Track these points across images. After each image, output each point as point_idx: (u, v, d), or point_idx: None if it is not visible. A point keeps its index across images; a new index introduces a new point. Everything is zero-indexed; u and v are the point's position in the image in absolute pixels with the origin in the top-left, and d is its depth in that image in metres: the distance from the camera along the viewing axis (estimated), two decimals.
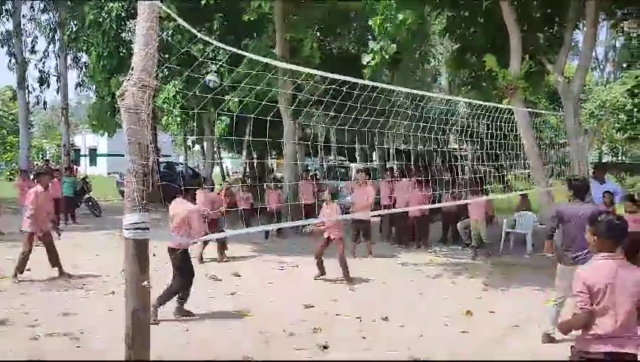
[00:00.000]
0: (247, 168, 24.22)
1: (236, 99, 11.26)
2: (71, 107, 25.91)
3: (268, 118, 5.02)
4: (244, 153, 25.47)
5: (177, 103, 14.65)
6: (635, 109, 14.15)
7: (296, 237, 13.02)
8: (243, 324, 6.44)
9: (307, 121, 16.61)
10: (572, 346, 3.38)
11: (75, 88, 23.66)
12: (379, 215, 13.02)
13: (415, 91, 7.62)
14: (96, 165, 45.72)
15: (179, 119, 15.76)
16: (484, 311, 6.95)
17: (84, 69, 22.99)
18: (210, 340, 5.79)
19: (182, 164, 24.76)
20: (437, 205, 10.95)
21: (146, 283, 2.89)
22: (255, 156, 24.26)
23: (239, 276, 8.99)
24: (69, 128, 23.02)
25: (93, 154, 47.21)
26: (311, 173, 17.09)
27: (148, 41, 2.84)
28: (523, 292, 7.92)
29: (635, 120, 15.36)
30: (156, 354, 5.10)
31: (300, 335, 6.02)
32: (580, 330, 3.29)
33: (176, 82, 14.46)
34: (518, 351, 5.55)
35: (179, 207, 6.63)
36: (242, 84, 5.95)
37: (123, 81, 3.21)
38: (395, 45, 8.82)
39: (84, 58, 22.66)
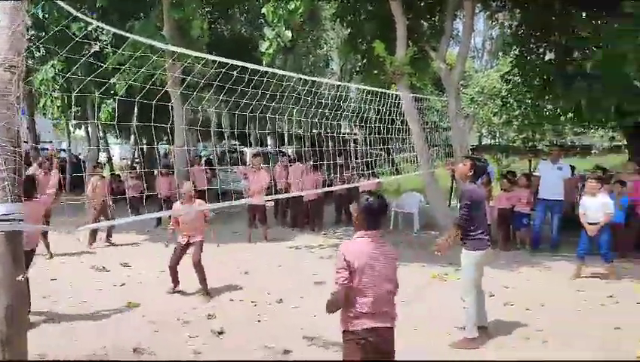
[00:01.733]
0: (137, 154, 23.20)
1: (122, 82, 10.71)
2: None
3: (154, 103, 4.83)
4: (132, 139, 24.33)
5: (57, 85, 13.64)
6: (509, 95, 15.31)
7: None
8: (133, 315, 6.23)
9: (198, 106, 16.23)
10: (343, 330, 3.47)
11: None
12: (274, 200, 13.08)
13: (307, 77, 7.71)
14: None
15: (59, 102, 14.69)
16: None
17: None
18: (99, 334, 5.55)
19: (65, 150, 23.14)
20: (330, 188, 11.21)
21: (21, 277, 2.71)
22: (145, 142, 23.27)
23: (129, 266, 8.66)
24: None
25: None
26: (204, 159, 16.77)
27: (14, 18, 2.62)
28: (411, 268, 8.36)
29: (508, 105, 16.62)
30: (40, 352, 4.84)
31: (193, 323, 5.95)
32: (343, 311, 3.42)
33: (55, 62, 13.45)
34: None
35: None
36: (126, 66, 5.69)
37: None
38: (290, 33, 8.83)
39: None
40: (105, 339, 5.38)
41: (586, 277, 7.94)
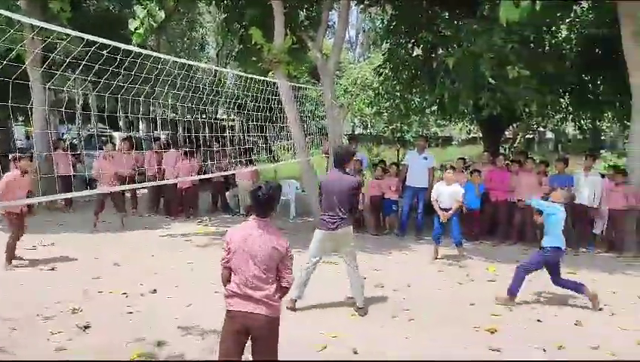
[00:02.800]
0: None
1: None
2: None
3: (11, 80, 4.41)
4: None
5: None
6: (380, 87, 16.02)
7: (55, 213, 11.84)
8: None
9: (62, 86, 15.04)
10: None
11: None
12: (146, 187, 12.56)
13: (184, 61, 7.48)
14: None
15: None
16: None
17: None
18: None
19: None
20: (206, 176, 11.01)
21: None
22: None
23: None
24: None
25: None
26: (67, 142, 15.62)
27: None
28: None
29: (380, 96, 17.38)
30: None
31: (56, 318, 5.56)
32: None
33: None
34: None
35: None
36: None
37: None
38: (163, 12, 8.49)
39: None
40: None
41: (441, 258, 8.62)
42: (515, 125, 22.05)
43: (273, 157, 14.60)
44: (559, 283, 6.39)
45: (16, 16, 4.30)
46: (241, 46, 13.27)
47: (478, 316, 5.98)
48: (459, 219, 8.63)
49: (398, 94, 14.71)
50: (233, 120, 26.46)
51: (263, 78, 9.64)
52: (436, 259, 8.57)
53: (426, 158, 10.68)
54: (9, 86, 4.46)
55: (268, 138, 14.56)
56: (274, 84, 9.94)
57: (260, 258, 3.47)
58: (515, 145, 26.54)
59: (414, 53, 13.20)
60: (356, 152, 11.74)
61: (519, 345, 5.18)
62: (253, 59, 12.48)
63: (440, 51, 11.75)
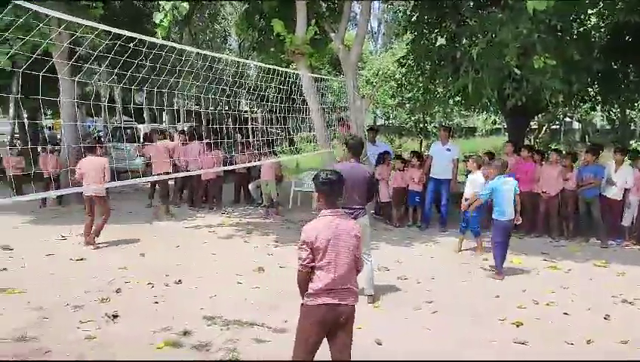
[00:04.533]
0: (17, 129, 21.38)
1: (4, 50, 9.76)
2: None
3: (41, 74, 4.48)
4: (10, 113, 22.34)
5: None
6: (403, 78, 15.88)
7: (79, 205, 12.05)
8: (17, 301, 5.82)
9: (88, 79, 15.24)
10: (302, 303, 3.51)
11: None
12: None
13: (207, 52, 7.52)
14: None
15: None
16: (275, 267, 7.34)
17: None
18: None
19: None
20: (230, 167, 11.08)
21: None
22: (26, 116, 21.51)
23: (11, 249, 8.04)
24: None
25: None
26: (94, 135, 15.88)
27: None
28: None
29: (404, 87, 17.24)
30: None
31: (85, 308, 5.67)
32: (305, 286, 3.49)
33: None
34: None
35: None
36: (7, 34, 5.22)
37: None
38: (186, 4, 8.51)
39: None
40: None
41: (466, 250, 8.55)
42: (540, 115, 21.68)
43: (295, 148, 14.59)
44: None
45: (47, 11, 4.35)
46: (261, 37, 13.27)
47: (503, 309, 5.92)
48: (481, 209, 8.51)
49: (421, 85, 14.58)
50: (255, 111, 26.57)
51: (285, 69, 9.63)
52: (460, 251, 8.51)
53: (449, 150, 10.56)
54: (38, 80, 4.53)
55: (290, 129, 14.57)
56: (296, 75, 9.91)
57: (349, 249, 3.45)
58: (540, 135, 26.14)
59: (437, 43, 13.04)
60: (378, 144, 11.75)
61: (546, 339, 5.13)
62: (272, 49, 12.51)
63: (464, 41, 11.57)
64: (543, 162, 10.19)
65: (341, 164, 6.25)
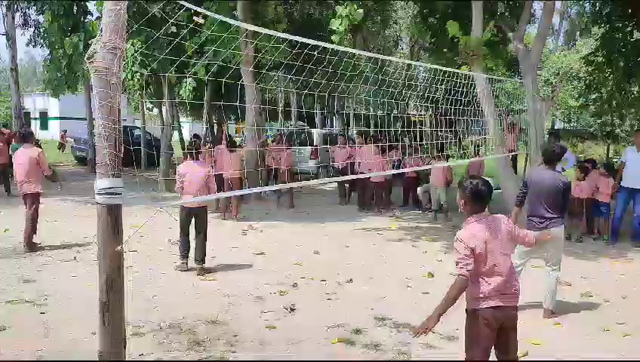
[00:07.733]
0: (209, 133, 23.80)
1: (204, 62, 10.96)
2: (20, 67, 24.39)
3: (239, 82, 4.94)
4: (204, 117, 24.94)
5: (136, 63, 14.06)
6: (591, 77, 14.53)
7: (262, 203, 13.04)
8: (210, 287, 6.47)
9: (267, 85, 16.39)
10: (466, 309, 3.50)
11: (27, 45, 22.05)
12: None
13: (379, 56, 7.64)
14: (47, 129, 43.63)
15: (136, 80, 15.14)
16: (444, 273, 7.18)
17: (34, 28, 21.73)
18: (179, 304, 5.80)
19: (139, 128, 23.97)
20: (401, 170, 11.12)
21: (119, 247, 2.87)
22: (215, 120, 23.86)
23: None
24: (19, 90, 21.72)
25: (43, 117, 45.10)
26: (271, 139, 17.01)
27: (117, 1, 2.73)
28: None
29: (592, 87, 15.79)
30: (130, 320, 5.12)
31: (265, 298, 6.10)
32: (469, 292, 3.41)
33: (135, 41, 13.85)
34: None
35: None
36: (208, 50, 5.82)
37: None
38: (361, 11, 8.77)
39: (33, 16, 21.53)
40: (182, 310, 5.61)
41: None
42: None
43: (465, 153, 14.13)
44: None
45: (241, 24, 4.77)
46: (434, 39, 13.11)
47: None
48: None
49: (611, 84, 13.22)
50: (422, 115, 26.31)
51: (457, 70, 9.39)
52: None
53: None
54: (227, 89, 4.98)
55: (459, 133, 14.17)
56: (467, 77, 9.61)
57: (508, 250, 3.49)
58: None
59: (633, 37, 11.72)
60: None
61: None
62: (445, 50, 12.27)
63: None
64: None
65: (535, 170, 5.99)
